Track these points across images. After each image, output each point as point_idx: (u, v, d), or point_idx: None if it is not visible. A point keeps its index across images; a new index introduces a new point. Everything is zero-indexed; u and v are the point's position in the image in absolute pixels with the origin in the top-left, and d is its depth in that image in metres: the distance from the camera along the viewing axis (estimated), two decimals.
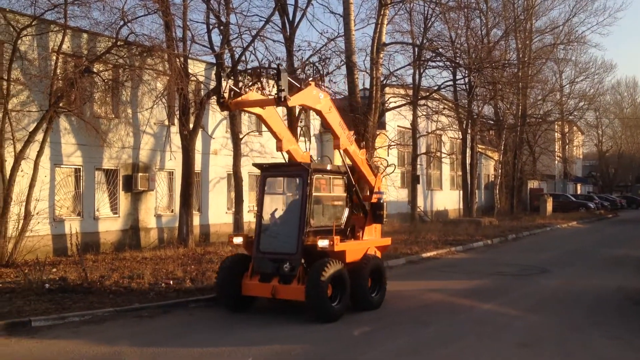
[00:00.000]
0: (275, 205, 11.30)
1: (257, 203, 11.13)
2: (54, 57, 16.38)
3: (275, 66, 12.12)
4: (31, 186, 15.39)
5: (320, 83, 10.92)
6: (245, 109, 10.17)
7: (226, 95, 9.50)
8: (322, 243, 9.78)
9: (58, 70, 16.27)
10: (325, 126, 11.08)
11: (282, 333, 9.15)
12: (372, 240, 11.41)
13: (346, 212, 11.36)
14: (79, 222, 18.34)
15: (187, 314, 10.51)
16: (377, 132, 24.29)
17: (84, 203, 18.65)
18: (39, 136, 15.69)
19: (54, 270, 13.80)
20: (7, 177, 14.89)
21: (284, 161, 11.26)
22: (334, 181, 11.60)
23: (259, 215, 10.81)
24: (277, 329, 9.42)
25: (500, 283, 14.16)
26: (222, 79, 9.80)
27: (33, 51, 16.76)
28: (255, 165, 11.49)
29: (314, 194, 10.41)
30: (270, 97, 9.64)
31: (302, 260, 9.92)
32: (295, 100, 9.55)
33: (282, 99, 8.96)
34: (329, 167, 11.13)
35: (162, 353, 8.13)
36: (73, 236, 17.70)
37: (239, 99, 9.62)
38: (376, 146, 23.67)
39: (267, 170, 11.21)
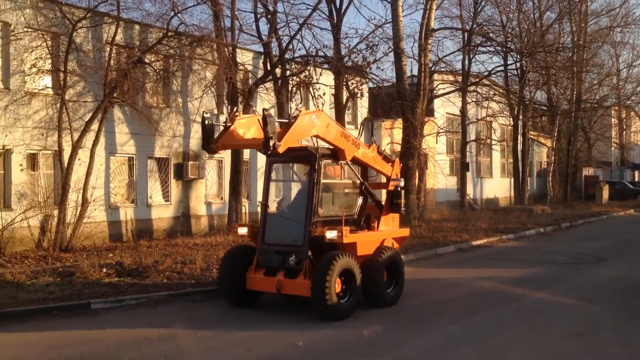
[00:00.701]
0: (284, 193, 10.81)
1: (263, 191, 10.27)
2: (108, 49, 16.84)
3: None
4: (88, 174, 15.91)
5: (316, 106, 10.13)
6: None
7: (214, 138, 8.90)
8: (331, 234, 9.03)
9: (112, 62, 16.71)
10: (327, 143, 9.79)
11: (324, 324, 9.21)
12: (387, 231, 10.50)
13: (360, 200, 10.46)
14: (133, 209, 18.87)
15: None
16: (426, 120, 24.01)
17: (137, 191, 19.16)
18: (95, 126, 16.17)
19: (110, 255, 14.27)
20: (65, 166, 15.43)
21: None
22: (347, 167, 10.42)
23: (264, 204, 9.98)
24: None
25: (554, 271, 13.84)
26: (206, 121, 8.88)
27: (88, 43, 17.25)
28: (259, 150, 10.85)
29: (323, 180, 9.58)
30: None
31: (309, 253, 9.18)
32: (286, 143, 8.38)
33: (272, 147, 8.15)
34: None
35: (215, 336, 8.30)
36: (128, 223, 18.32)
37: (226, 141, 8.87)
38: (424, 133, 23.40)
39: (273, 156, 9.89)
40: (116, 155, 18.58)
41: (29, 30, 15.82)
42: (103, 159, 17.62)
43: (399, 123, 25.13)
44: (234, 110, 10.25)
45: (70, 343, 7.91)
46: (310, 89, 22.52)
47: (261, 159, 23.21)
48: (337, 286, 8.77)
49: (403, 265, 10.37)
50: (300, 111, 8.92)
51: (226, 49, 18.49)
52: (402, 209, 10.73)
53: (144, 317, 9.33)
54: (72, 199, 15.77)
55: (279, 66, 20.89)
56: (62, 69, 15.68)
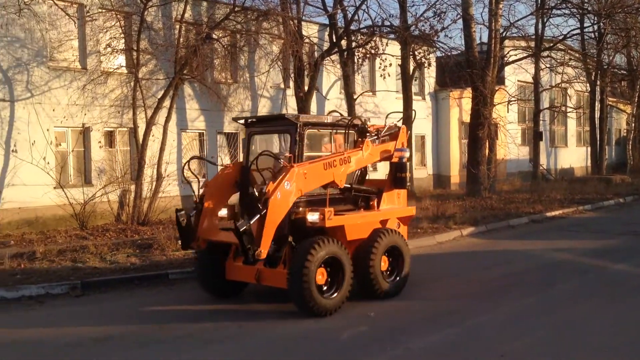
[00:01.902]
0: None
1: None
2: (177, 26, 17.19)
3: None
4: (161, 150, 16.42)
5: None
6: None
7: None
8: (312, 217, 7.84)
9: (181, 39, 17.06)
10: None
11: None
12: (386, 210, 9.04)
13: (355, 176, 9.19)
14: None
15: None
16: (496, 88, 23.27)
17: (208, 165, 19.60)
18: (167, 102, 16.62)
19: None
20: (140, 142, 15.98)
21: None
22: (340, 138, 9.14)
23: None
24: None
25: (635, 243, 13.25)
26: (180, 219, 8.22)
27: (158, 21, 17.67)
28: (235, 119, 9.51)
29: (308, 153, 8.40)
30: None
31: (290, 239, 8.02)
32: (266, 244, 7.21)
33: (254, 258, 7.22)
34: (327, 120, 9.01)
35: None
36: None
37: (207, 235, 8.15)
38: (495, 102, 22.72)
39: (252, 126, 9.05)
40: (187, 131, 19.07)
41: (103, 10, 16.34)
42: (175, 134, 18.13)
43: (468, 92, 24.52)
44: (200, 186, 8.90)
45: (152, 311, 8.28)
46: (377, 60, 22.28)
47: None
48: (321, 277, 7.60)
49: (408, 251, 8.89)
50: (266, 193, 7.29)
51: (292, 22, 18.49)
52: (408, 184, 8.96)
53: None
54: (147, 174, 16.35)
55: (345, 38, 20.72)
56: (135, 48, 16.14)
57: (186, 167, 8.99)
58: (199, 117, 19.24)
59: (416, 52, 22.32)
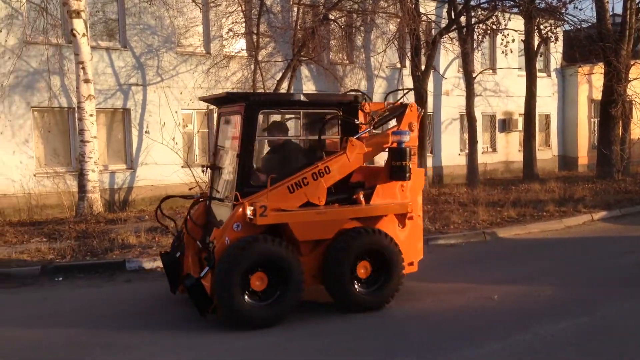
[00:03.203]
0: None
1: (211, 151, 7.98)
2: (295, 9, 17.43)
3: None
4: None
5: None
6: None
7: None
8: (248, 212, 6.49)
9: (299, 21, 17.29)
10: None
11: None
12: (359, 207, 7.06)
13: None
14: None
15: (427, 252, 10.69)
16: (631, 63, 21.48)
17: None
18: (285, 84, 16.95)
19: None
20: None
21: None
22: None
23: (212, 165, 7.61)
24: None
25: None
26: (164, 259, 7.46)
27: (277, 4, 18.02)
28: (201, 99, 8.26)
29: (277, 137, 7.35)
30: None
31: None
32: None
33: (205, 314, 6.48)
34: (299, 98, 7.33)
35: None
36: None
37: None
38: (630, 78, 20.99)
39: (218, 105, 7.98)
40: None
41: None
42: None
43: (599, 68, 22.83)
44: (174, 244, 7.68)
45: None
46: (498, 37, 21.32)
47: (445, 112, 22.72)
48: (259, 283, 6.43)
49: (398, 256, 7.06)
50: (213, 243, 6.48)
51: (409, 0, 18.10)
52: (408, 174, 7.12)
53: None
54: None
55: (464, 14, 19.97)
56: (255, 32, 16.59)
57: (162, 253, 7.68)
58: None
59: (541, 27, 21.09)
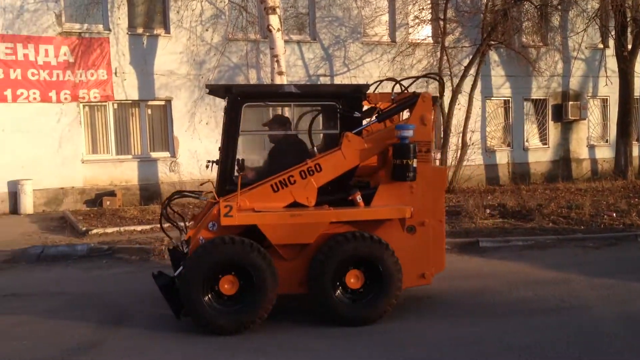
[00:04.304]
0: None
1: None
2: None
3: None
4: (467, 118, 16.29)
5: None
6: None
7: None
8: (223, 211, 5.98)
9: (489, 4, 16.52)
10: None
11: None
12: (347, 210, 6.31)
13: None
14: (509, 152, 18.73)
15: (636, 248, 9.65)
16: None
17: (513, 134, 18.91)
18: (472, 70, 16.35)
19: (489, 197, 14.47)
20: (447, 110, 16.07)
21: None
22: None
23: (218, 161, 6.78)
24: None
25: None
26: (156, 280, 6.41)
27: None
28: (209, 87, 7.06)
29: (273, 132, 6.87)
30: None
31: None
32: None
33: (179, 316, 6.11)
34: (289, 89, 6.64)
35: (612, 285, 7.58)
36: (504, 166, 18.36)
37: None
38: None
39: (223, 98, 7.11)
40: (492, 98, 18.56)
41: None
42: (479, 102, 17.82)
43: None
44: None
45: (462, 276, 8.25)
46: None
47: None
48: (227, 287, 5.94)
49: (391, 263, 6.14)
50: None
51: None
52: (411, 174, 6.20)
53: (532, 259, 9.14)
54: (452, 143, 16.42)
55: None
56: (442, 17, 16.20)
57: (154, 273, 6.73)
58: (504, 83, 18.57)
59: None
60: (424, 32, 17.47)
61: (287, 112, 7.20)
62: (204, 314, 5.85)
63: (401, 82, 6.87)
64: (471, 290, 7.55)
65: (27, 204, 13.79)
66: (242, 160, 6.69)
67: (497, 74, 18.42)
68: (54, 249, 9.87)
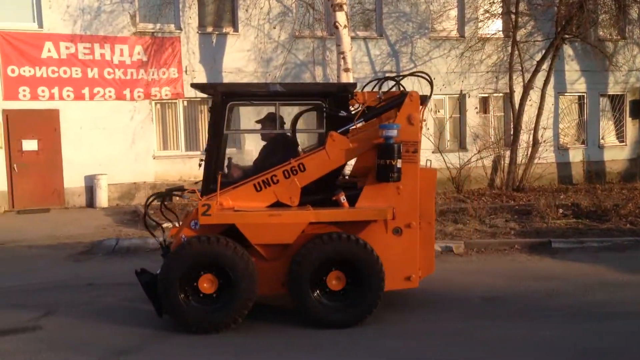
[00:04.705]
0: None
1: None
2: None
3: None
4: (538, 114, 15.79)
5: None
6: None
7: None
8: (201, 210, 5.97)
9: None
10: None
11: None
12: (325, 211, 6.11)
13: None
14: (583, 150, 18.04)
15: None
16: None
17: (588, 131, 18.21)
18: (545, 65, 15.82)
19: (562, 196, 13.98)
20: (517, 107, 15.61)
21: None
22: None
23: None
24: None
25: None
26: (139, 277, 6.35)
27: None
28: (194, 86, 7.00)
29: (264, 131, 6.75)
30: None
31: None
32: None
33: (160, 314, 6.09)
34: (275, 88, 6.44)
35: None
36: (578, 164, 17.68)
37: None
38: None
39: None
40: (565, 94, 17.93)
41: None
42: (552, 98, 17.24)
43: None
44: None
45: (534, 277, 8.01)
46: None
47: None
48: (207, 285, 5.88)
49: (371, 265, 5.95)
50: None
51: None
52: (394, 174, 6.03)
53: (608, 261, 8.75)
54: (523, 140, 15.94)
55: None
56: (514, 11, 15.74)
57: (138, 270, 6.52)
58: (578, 79, 17.88)
59: None
60: (494, 27, 17.03)
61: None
62: (180, 310, 5.83)
63: (394, 78, 6.87)
64: (543, 291, 7.30)
65: (102, 198, 14.39)
66: (230, 159, 6.74)
67: (572, 69, 17.75)
68: (127, 242, 10.26)
